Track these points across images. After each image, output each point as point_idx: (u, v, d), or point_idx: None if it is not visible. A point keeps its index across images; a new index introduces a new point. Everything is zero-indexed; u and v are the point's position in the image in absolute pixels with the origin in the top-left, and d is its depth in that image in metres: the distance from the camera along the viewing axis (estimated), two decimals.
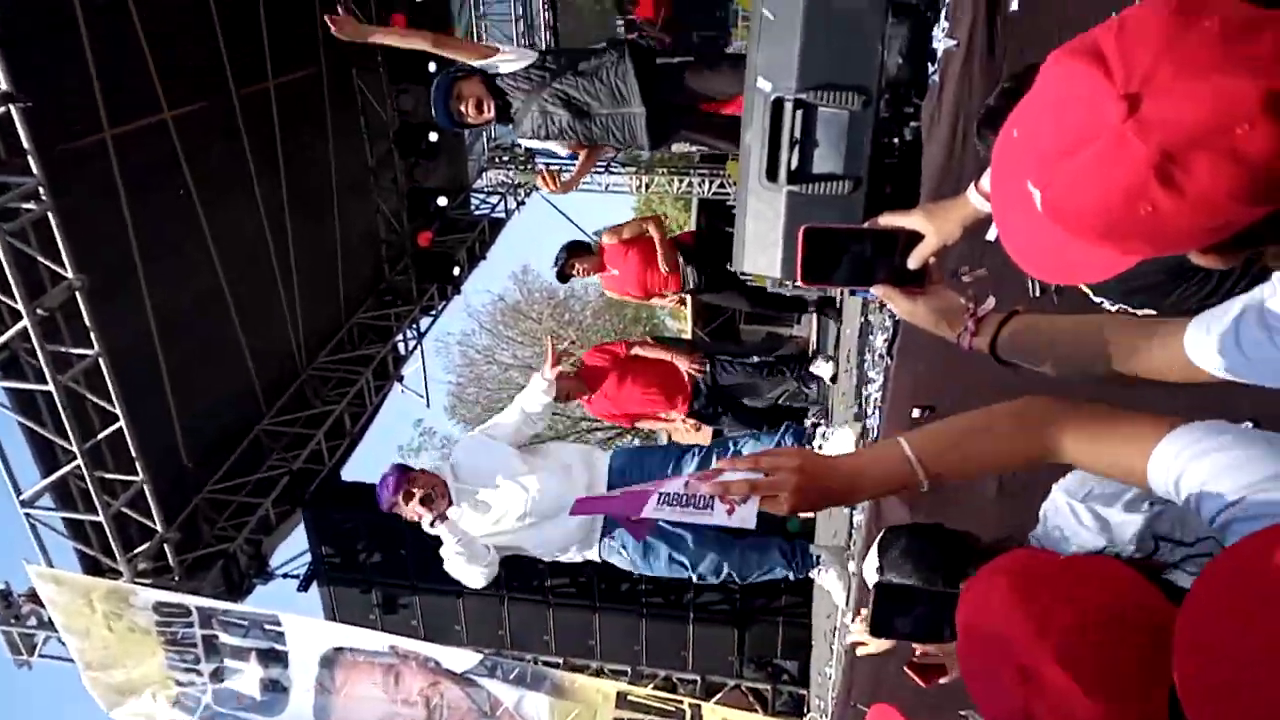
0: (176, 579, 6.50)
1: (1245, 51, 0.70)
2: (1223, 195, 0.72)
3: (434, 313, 10.32)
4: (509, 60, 4.33)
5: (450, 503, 4.01)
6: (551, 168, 5.15)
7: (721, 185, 11.21)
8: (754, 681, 7.70)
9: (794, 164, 3.21)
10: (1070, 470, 1.72)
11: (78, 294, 5.28)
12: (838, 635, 5.12)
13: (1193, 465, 1.01)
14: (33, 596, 6.06)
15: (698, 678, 7.73)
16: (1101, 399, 1.19)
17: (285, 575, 7.69)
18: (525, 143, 5.04)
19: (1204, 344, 1.09)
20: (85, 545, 6.09)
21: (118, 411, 5.67)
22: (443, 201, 9.92)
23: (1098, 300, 2.06)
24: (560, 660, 7.57)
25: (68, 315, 5.33)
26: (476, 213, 11.34)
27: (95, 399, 5.62)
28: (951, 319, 1.37)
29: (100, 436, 5.74)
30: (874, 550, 2.17)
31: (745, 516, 1.23)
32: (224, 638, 5.33)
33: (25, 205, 5.02)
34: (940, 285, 1.39)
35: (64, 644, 5.64)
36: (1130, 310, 2.01)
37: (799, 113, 3.14)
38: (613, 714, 4.88)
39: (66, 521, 5.98)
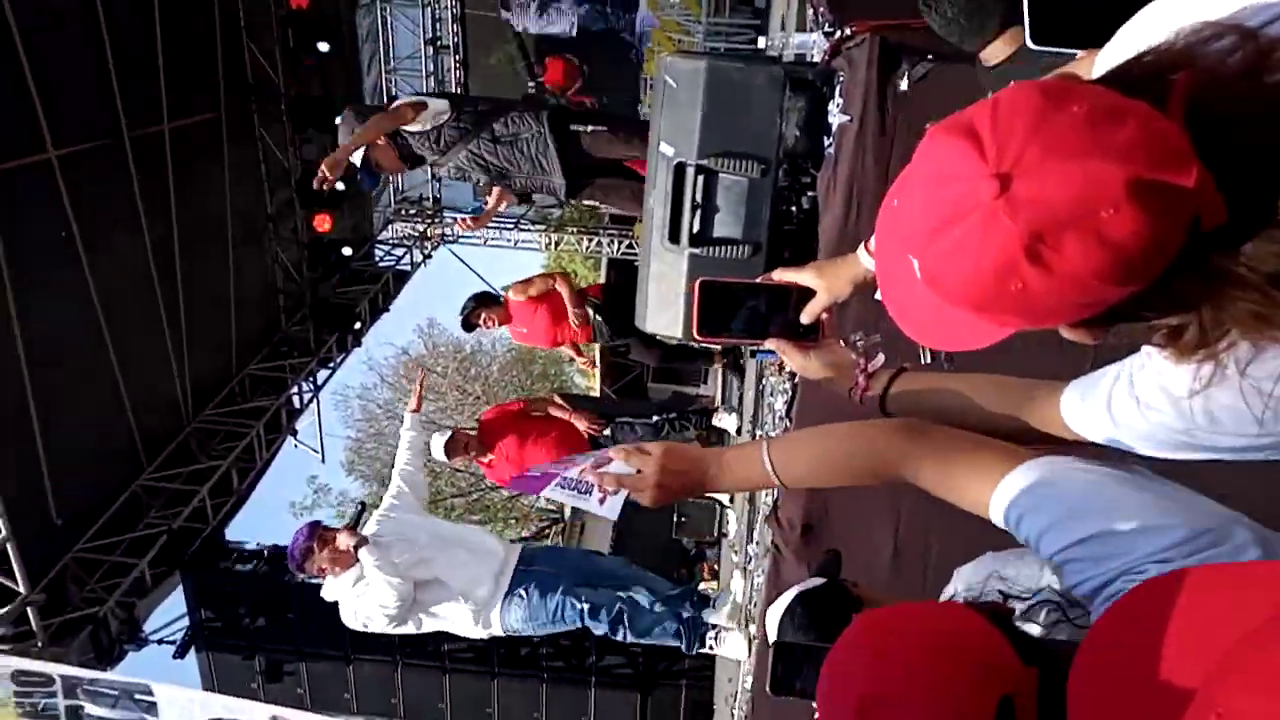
0: (40, 645, 6.05)
1: (1110, 137, 0.73)
2: (1089, 275, 0.74)
3: (332, 365, 10.04)
4: (421, 123, 4.39)
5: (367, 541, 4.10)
6: (464, 217, 5.35)
7: (630, 245, 11.32)
8: None
9: (696, 227, 3.27)
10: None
11: None
12: (739, 699, 5.09)
13: (1028, 506, 1.04)
14: None
15: None
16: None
17: (160, 641, 7.24)
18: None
19: (1078, 409, 1.13)
20: None
21: None
22: (347, 252, 9.74)
23: None
24: None
25: None
26: (381, 264, 11.16)
27: None
28: (843, 373, 1.41)
29: None
30: (776, 618, 2.15)
31: (612, 508, 1.36)
32: (90, 708, 5.02)
33: None
34: (832, 340, 1.44)
35: None
36: None
37: (700, 178, 3.21)
38: None
39: None
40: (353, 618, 4.19)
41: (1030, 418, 1.20)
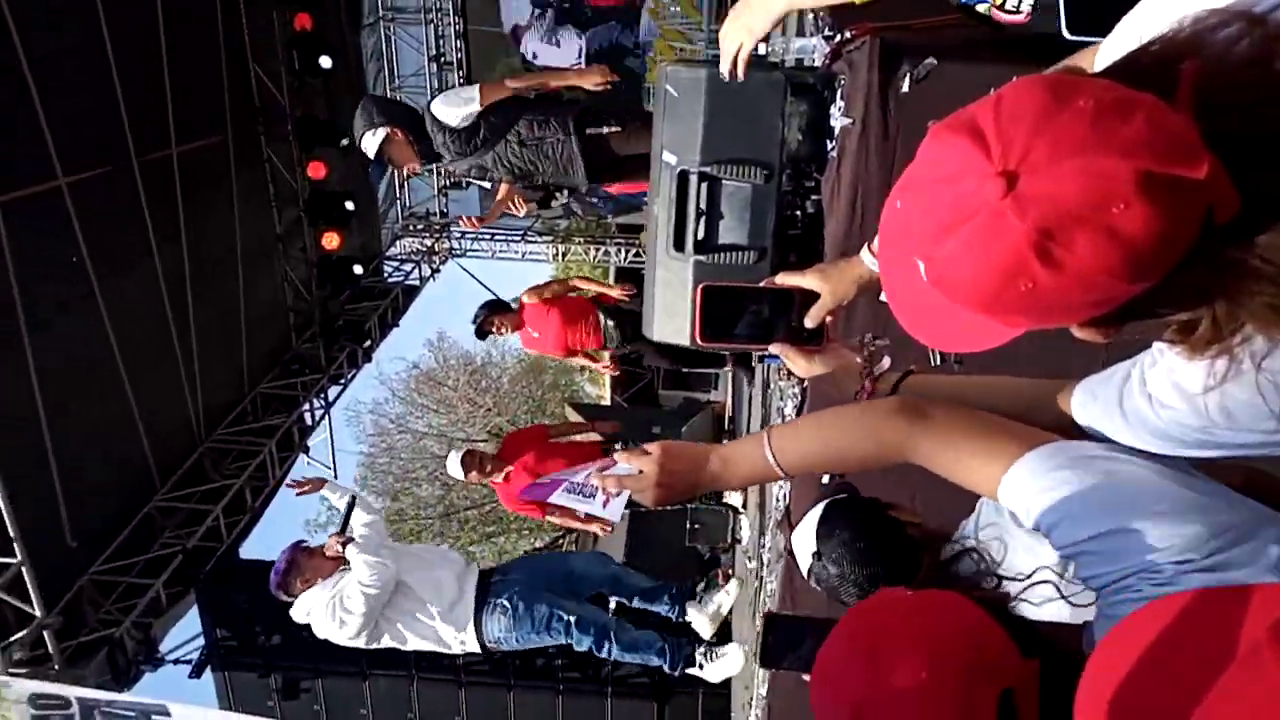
0: (56, 668, 6.05)
1: (1118, 132, 0.71)
2: (1101, 272, 0.72)
3: (343, 381, 10.07)
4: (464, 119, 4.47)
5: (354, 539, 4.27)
6: (469, 216, 5.63)
7: (637, 254, 11.31)
8: None
9: (700, 234, 3.26)
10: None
11: None
12: (754, 705, 5.06)
13: (1041, 495, 1.01)
14: None
15: None
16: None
17: (176, 661, 7.24)
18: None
19: (1089, 409, 1.11)
20: None
21: None
22: (357, 269, 9.78)
23: None
24: None
25: None
26: (389, 280, 11.19)
27: None
28: (848, 377, 1.39)
29: None
30: (810, 528, 1.98)
31: (614, 510, 1.37)
32: None
33: None
34: (837, 344, 1.42)
35: None
36: None
37: (704, 185, 3.20)
38: None
39: None
40: (328, 614, 4.23)
41: (1041, 418, 1.18)
